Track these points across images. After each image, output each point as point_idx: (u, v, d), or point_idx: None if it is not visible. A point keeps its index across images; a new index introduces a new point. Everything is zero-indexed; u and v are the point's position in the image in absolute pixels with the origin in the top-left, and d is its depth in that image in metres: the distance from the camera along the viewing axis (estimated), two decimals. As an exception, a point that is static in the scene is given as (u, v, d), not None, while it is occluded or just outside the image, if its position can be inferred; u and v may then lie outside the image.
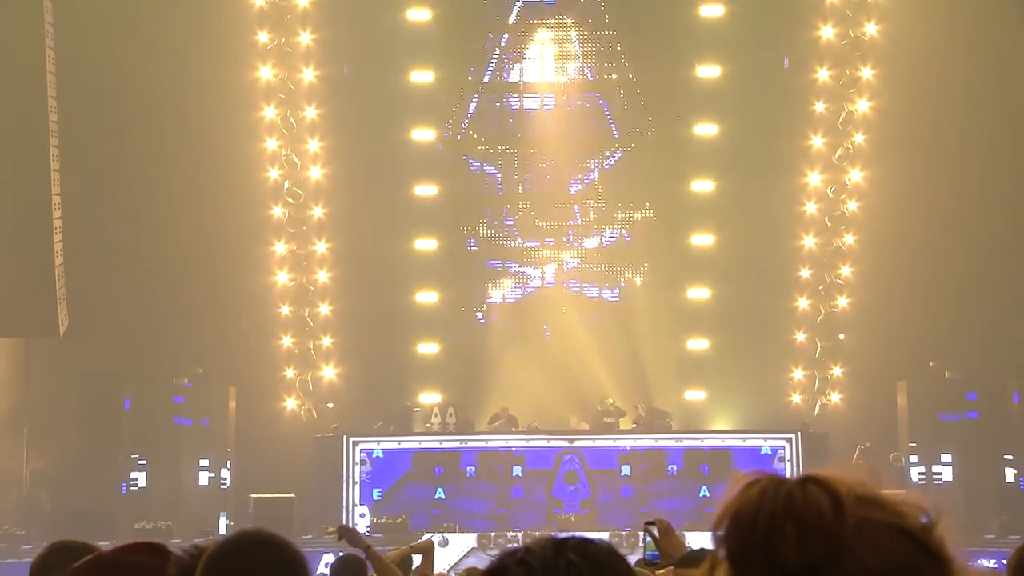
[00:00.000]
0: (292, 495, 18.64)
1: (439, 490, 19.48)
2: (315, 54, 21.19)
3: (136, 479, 19.90)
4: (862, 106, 20.87)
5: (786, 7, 20.87)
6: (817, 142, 21.08)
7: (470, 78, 21.97)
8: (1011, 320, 19.30)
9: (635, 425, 20.29)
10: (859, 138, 20.92)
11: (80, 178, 19.58)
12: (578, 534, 1.83)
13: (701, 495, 19.27)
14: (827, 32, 20.90)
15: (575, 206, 22.22)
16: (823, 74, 20.99)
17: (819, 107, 21.04)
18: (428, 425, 20.60)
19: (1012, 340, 19.26)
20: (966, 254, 19.66)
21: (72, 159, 19.42)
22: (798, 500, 1.40)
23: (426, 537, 15.26)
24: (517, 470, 19.54)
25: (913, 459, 19.70)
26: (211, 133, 20.22)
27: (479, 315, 22.03)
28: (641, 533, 4.91)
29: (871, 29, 20.70)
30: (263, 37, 21.07)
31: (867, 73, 20.79)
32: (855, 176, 20.99)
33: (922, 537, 1.42)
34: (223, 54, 20.47)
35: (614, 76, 21.88)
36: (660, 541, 4.59)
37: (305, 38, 21.14)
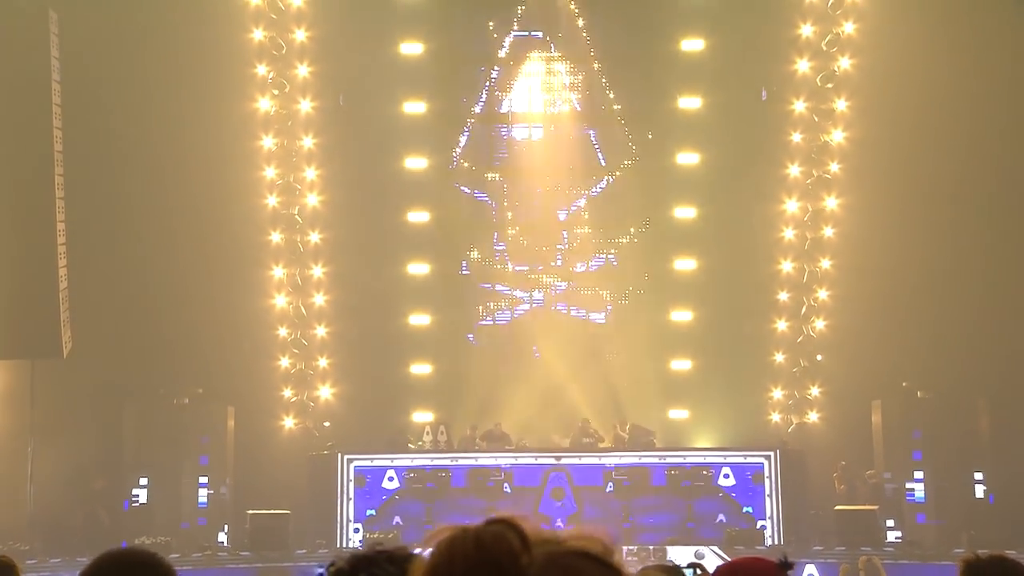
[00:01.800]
0: (287, 511, 18.65)
1: (430, 506, 19.45)
2: (312, 86, 21.31)
3: (138, 495, 19.93)
4: (837, 136, 21.01)
5: (763, 42, 20.96)
6: (794, 171, 21.21)
7: (462, 109, 22.02)
8: (981, 342, 19.34)
9: (612, 445, 20.28)
10: (834, 167, 21.04)
11: (84, 205, 19.65)
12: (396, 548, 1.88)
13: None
14: (803, 66, 21.06)
15: (563, 231, 22.26)
16: (799, 106, 21.13)
17: (796, 137, 21.17)
18: (420, 443, 20.63)
19: (981, 361, 19.28)
20: (938, 278, 19.73)
21: (76, 187, 19.47)
22: (487, 541, 1.41)
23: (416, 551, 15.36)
24: (506, 486, 19.55)
25: (887, 475, 19.75)
26: (212, 161, 20.33)
27: (471, 337, 22.00)
28: None
29: (845, 63, 20.86)
30: (262, 70, 21.19)
31: (841, 105, 20.94)
32: (831, 203, 21.11)
33: (606, 559, 1.45)
34: (224, 86, 20.61)
35: (600, 107, 21.98)
36: None
37: (302, 70, 21.27)
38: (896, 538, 18.92)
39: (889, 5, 20.17)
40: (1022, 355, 19.32)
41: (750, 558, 3.38)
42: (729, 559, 15.25)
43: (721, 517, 19.12)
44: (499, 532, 1.42)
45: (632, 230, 21.94)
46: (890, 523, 19.20)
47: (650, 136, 21.79)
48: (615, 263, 22.08)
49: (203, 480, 20.10)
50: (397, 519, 19.44)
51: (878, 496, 19.18)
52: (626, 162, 21.98)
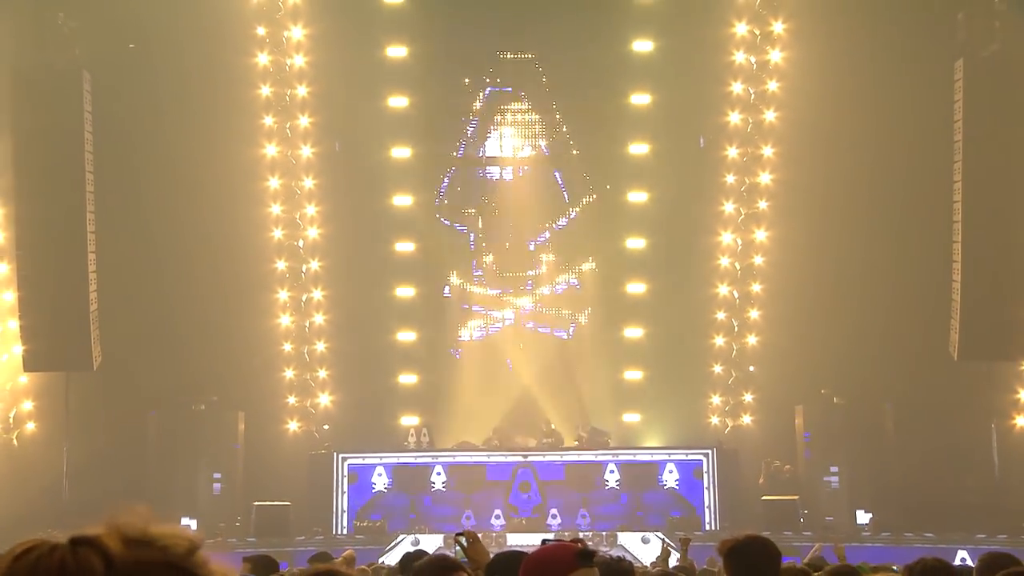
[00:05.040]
0: (288, 503, 18.89)
1: (414, 498, 19.72)
2: (312, 134, 21.55)
3: (160, 489, 20.02)
4: (764, 178, 21.32)
5: (701, 97, 21.30)
6: (728, 207, 21.51)
7: (443, 153, 22.27)
8: (887, 356, 19.72)
9: (576, 443, 20.60)
10: (763, 204, 21.35)
11: (113, 237, 19.87)
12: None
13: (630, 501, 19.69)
14: (735, 118, 21.37)
15: (532, 259, 22.42)
16: (732, 152, 21.42)
17: (729, 179, 21.45)
18: (406, 443, 20.90)
19: (886, 372, 19.69)
20: (850, 300, 20.10)
21: (105, 222, 19.73)
22: (70, 565, 1.29)
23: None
24: (480, 481, 19.83)
25: (833, 471, 19.90)
26: (225, 199, 20.59)
27: (453, 351, 22.09)
28: (452, 543, 4.43)
29: (770, 116, 21.20)
30: (268, 121, 21.45)
31: (768, 151, 21.24)
32: (760, 236, 21.40)
33: (186, 564, 1.35)
34: (236, 134, 20.85)
35: (562, 152, 22.30)
36: (468, 550, 4.35)
37: (303, 121, 21.53)
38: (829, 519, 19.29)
39: (805, 68, 20.52)
40: (921, 367, 19.73)
41: (554, 546, 3.16)
42: (669, 542, 15.55)
43: (673, 512, 19.44)
44: (84, 556, 1.30)
45: (591, 258, 22.30)
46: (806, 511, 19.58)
47: (607, 187, 22.10)
48: (578, 287, 22.34)
49: (217, 475, 20.24)
50: (384, 511, 19.69)
51: (795, 486, 19.56)
52: (585, 199, 22.35)
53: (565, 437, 20.74)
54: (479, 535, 4.45)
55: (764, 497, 19.04)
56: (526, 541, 17.04)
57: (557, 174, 22.40)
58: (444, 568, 3.52)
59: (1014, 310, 18.63)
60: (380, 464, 19.94)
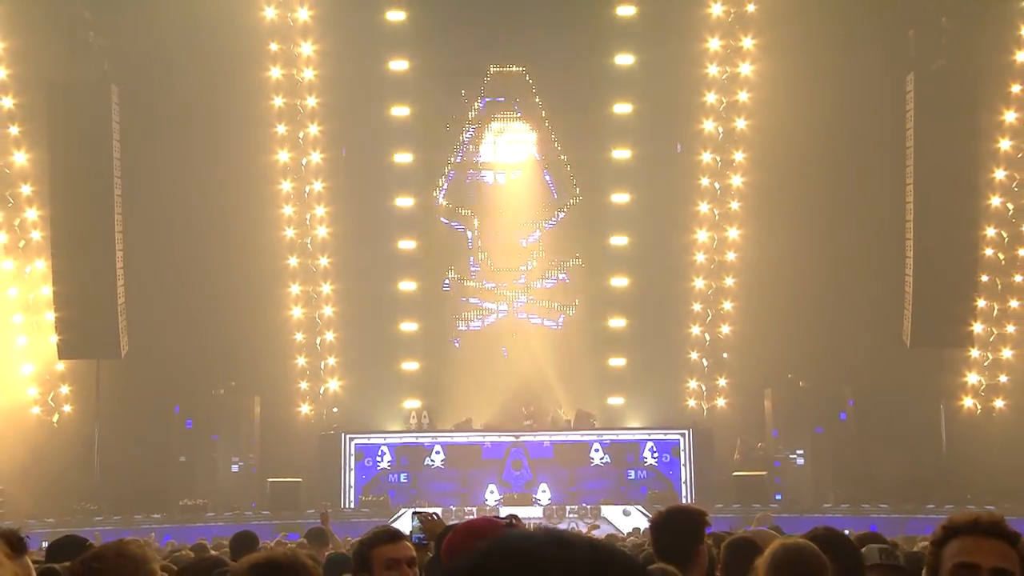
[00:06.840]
0: (300, 479, 19.32)
1: (415, 475, 20.22)
2: (320, 141, 21.90)
3: (183, 466, 20.49)
4: (736, 181, 21.66)
5: (678, 105, 21.68)
6: (703, 208, 21.87)
7: (442, 158, 22.63)
8: (847, 344, 20.16)
9: (551, 423, 20.95)
10: (735, 205, 21.71)
11: (139, 237, 20.26)
12: None
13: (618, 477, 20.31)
14: (708, 125, 21.74)
15: (526, 256, 22.72)
16: (707, 156, 21.76)
17: (704, 181, 21.79)
18: (409, 424, 21.50)
19: (847, 359, 20.15)
20: (815, 293, 20.51)
21: (132, 222, 20.11)
22: None
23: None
24: (475, 459, 20.31)
25: (798, 452, 20.48)
26: (241, 201, 20.95)
27: (453, 340, 22.38)
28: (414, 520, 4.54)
29: (741, 124, 21.57)
30: (281, 129, 21.82)
31: (739, 156, 21.60)
32: (732, 234, 21.74)
33: None
34: (251, 142, 21.22)
35: (551, 157, 22.61)
36: (425, 525, 4.38)
37: (313, 129, 21.88)
38: (777, 496, 19.98)
39: (773, 79, 20.91)
40: (877, 354, 20.13)
41: (484, 519, 3.06)
42: (649, 514, 16.14)
43: (648, 485, 20.05)
44: None
45: (578, 255, 22.79)
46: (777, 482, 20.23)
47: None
48: (566, 281, 22.76)
49: (234, 455, 20.67)
50: (388, 485, 20.18)
51: (767, 463, 20.22)
52: (573, 201, 22.78)
53: (543, 420, 21.11)
54: (438, 512, 4.69)
55: (736, 473, 19.65)
56: (518, 514, 17.65)
57: (547, 177, 22.83)
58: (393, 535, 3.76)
59: (961, 301, 19.30)
60: (384, 444, 20.40)
